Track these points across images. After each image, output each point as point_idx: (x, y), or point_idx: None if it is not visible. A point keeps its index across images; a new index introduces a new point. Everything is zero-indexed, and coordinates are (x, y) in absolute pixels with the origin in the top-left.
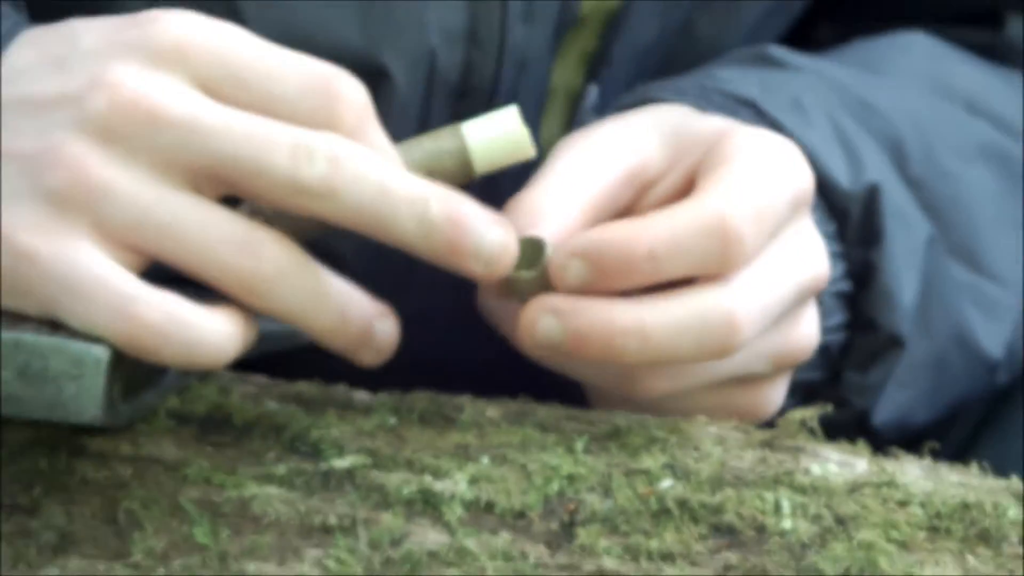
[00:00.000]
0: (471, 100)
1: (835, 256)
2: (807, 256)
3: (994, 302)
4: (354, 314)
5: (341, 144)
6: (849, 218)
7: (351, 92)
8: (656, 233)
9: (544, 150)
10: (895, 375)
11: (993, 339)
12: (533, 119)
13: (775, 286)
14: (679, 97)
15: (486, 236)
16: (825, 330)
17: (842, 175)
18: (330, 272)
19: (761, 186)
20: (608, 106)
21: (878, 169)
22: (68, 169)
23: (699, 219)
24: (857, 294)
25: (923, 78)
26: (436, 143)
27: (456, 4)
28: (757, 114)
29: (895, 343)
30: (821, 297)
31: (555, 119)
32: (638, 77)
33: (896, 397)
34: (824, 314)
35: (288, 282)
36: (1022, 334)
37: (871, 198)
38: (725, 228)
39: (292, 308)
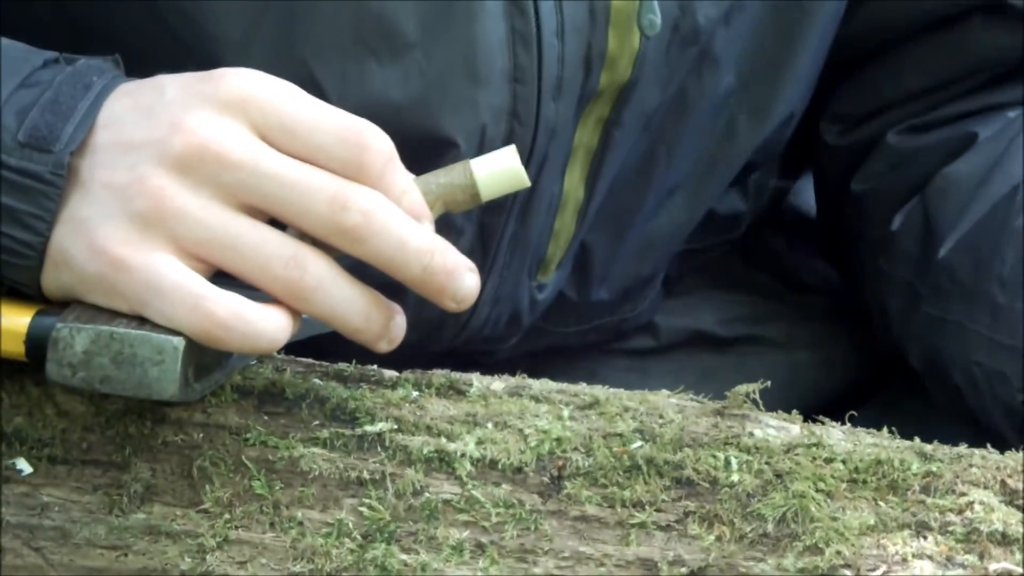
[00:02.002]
0: None
1: None
2: None
3: None
4: (375, 316)
5: (373, 199)
6: None
7: (378, 142)
8: None
9: (567, 198)
10: None
11: None
12: (559, 174)
13: None
14: None
15: (465, 283)
16: None
17: None
18: (358, 282)
19: None
20: (616, 164)
21: None
22: (151, 197)
23: None
24: None
25: None
26: (449, 177)
27: (501, 87)
28: None
29: None
30: None
31: (576, 172)
32: (642, 135)
33: None
34: None
35: (325, 291)
36: None
37: None
38: None
39: (328, 311)
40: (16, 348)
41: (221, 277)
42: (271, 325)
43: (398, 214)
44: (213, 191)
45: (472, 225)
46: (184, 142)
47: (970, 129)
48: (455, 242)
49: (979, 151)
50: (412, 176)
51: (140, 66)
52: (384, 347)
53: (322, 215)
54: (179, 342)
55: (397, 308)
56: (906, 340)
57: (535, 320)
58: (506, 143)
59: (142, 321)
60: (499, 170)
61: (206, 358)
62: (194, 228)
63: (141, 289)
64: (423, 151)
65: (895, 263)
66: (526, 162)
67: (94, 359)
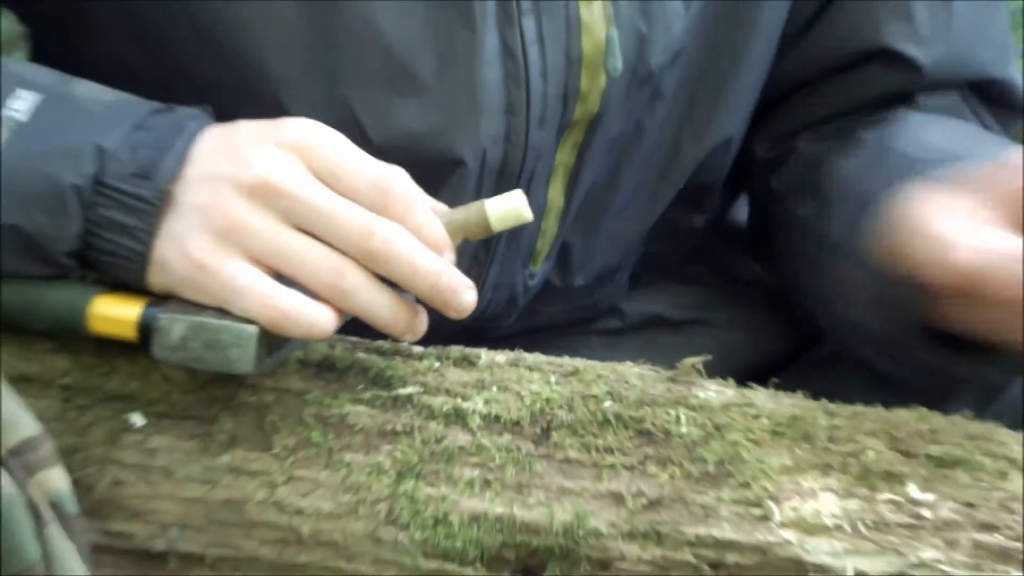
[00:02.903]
0: (506, 177)
1: None
2: None
3: None
4: (401, 315)
5: (394, 231)
6: None
7: (400, 187)
8: None
9: (551, 205)
10: None
11: None
12: (544, 186)
13: None
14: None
15: (464, 300)
16: None
17: None
18: (389, 288)
19: None
20: (590, 179)
21: None
22: (226, 217)
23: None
24: None
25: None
26: (467, 213)
27: (498, 118)
28: None
29: None
30: None
31: (558, 185)
32: (608, 155)
33: None
34: None
35: (361, 295)
36: None
37: None
38: None
39: (363, 311)
40: (130, 333)
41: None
42: (323, 318)
43: (413, 243)
44: (275, 214)
45: None
46: (252, 175)
47: (859, 134)
48: (463, 244)
49: (863, 148)
50: (438, 210)
51: (217, 101)
52: (409, 338)
53: (353, 240)
54: (254, 330)
55: (420, 309)
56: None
57: (528, 302)
58: (502, 163)
59: (225, 312)
60: (508, 209)
61: (274, 341)
62: (259, 242)
63: (222, 288)
64: (438, 169)
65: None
66: (517, 177)
67: (188, 343)
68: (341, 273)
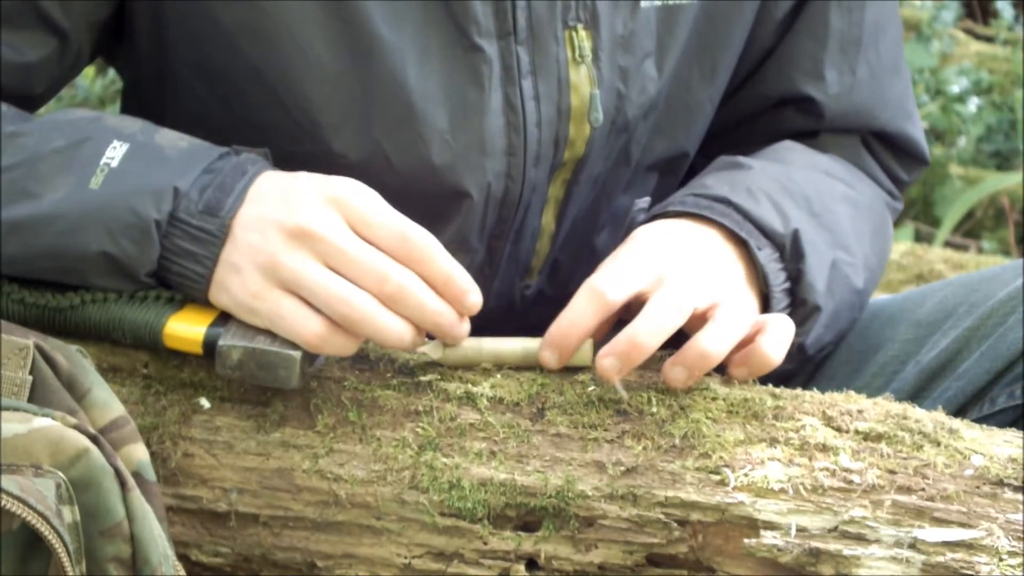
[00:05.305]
0: (507, 206)
1: (780, 269)
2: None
3: (855, 263)
4: (406, 338)
5: (407, 278)
6: (785, 249)
7: (420, 239)
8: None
9: (544, 229)
10: (817, 325)
11: (858, 279)
12: (538, 214)
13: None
14: (681, 207)
15: (456, 333)
16: (778, 311)
17: (778, 226)
18: (390, 318)
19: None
20: (576, 208)
21: (797, 218)
22: (270, 255)
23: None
24: (794, 287)
25: (804, 162)
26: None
27: (501, 159)
28: (728, 203)
29: (817, 309)
30: (773, 292)
31: (550, 213)
32: (592, 189)
33: (818, 333)
34: (778, 300)
35: (367, 324)
36: (863, 282)
37: (795, 236)
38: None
39: (369, 336)
40: (197, 350)
41: None
42: (349, 343)
43: (422, 290)
44: (310, 255)
45: (483, 246)
46: (294, 221)
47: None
48: (472, 259)
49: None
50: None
51: (273, 140)
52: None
53: (372, 282)
54: (297, 355)
55: (418, 335)
56: None
57: (526, 307)
58: (504, 195)
59: (273, 336)
60: (577, 357)
61: (311, 356)
62: (297, 281)
63: (270, 314)
64: (451, 198)
65: None
66: (516, 206)
67: (245, 365)
68: (351, 304)
